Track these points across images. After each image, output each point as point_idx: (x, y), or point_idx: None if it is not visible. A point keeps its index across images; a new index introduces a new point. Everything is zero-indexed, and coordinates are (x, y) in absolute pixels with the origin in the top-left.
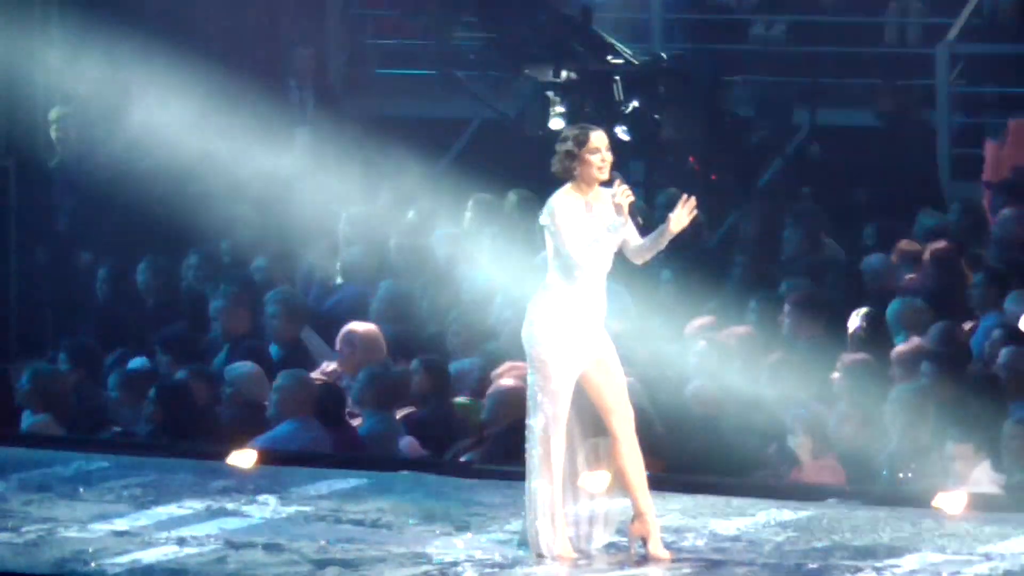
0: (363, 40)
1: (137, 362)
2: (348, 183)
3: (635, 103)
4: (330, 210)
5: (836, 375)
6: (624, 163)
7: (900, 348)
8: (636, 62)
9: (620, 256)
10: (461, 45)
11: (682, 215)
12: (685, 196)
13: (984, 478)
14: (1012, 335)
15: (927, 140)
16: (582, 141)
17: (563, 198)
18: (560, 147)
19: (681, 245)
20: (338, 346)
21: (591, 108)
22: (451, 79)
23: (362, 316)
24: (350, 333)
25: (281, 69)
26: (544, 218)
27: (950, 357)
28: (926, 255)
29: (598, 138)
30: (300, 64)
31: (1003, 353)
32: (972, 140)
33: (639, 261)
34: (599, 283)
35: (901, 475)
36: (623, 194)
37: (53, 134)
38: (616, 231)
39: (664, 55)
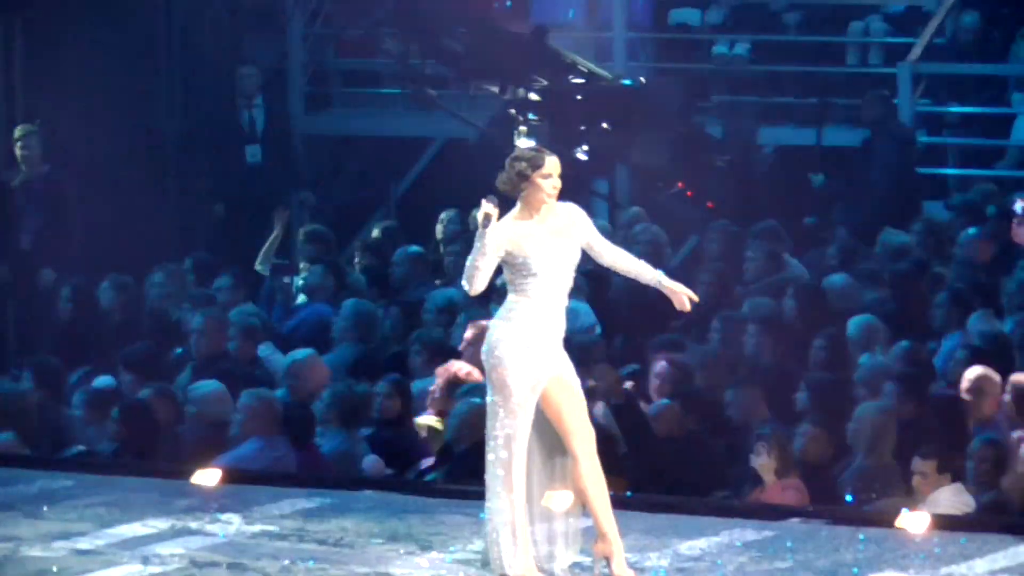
0: (324, 60)
1: (102, 381)
2: (304, 201)
3: (599, 124)
4: (289, 229)
5: (799, 395)
6: (585, 182)
7: (863, 368)
8: (605, 79)
9: (582, 275)
10: (416, 66)
11: (681, 299)
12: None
13: (952, 499)
14: (975, 356)
15: (897, 159)
16: (537, 164)
17: (498, 226)
18: (513, 166)
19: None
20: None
21: (551, 127)
22: (422, 95)
23: (325, 335)
24: (295, 364)
25: (233, 88)
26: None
27: (914, 377)
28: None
29: (552, 164)
30: (245, 82)
31: (966, 375)
32: (935, 159)
33: (604, 264)
34: (558, 302)
35: (864, 495)
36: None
37: (17, 152)
38: None
39: (629, 79)
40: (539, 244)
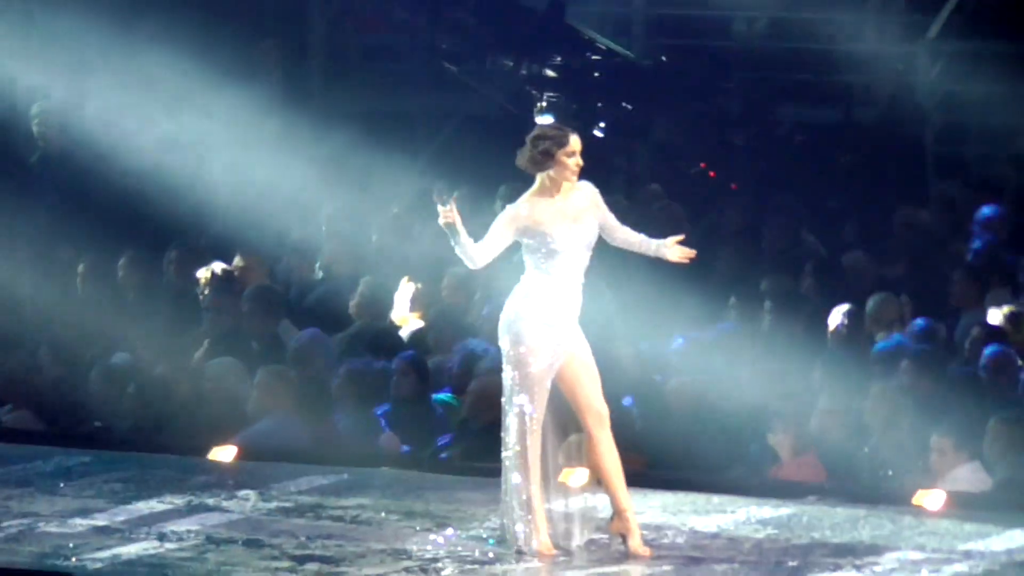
0: (344, 35)
1: (119, 357)
2: (328, 178)
3: (618, 102)
4: (309, 205)
5: (817, 372)
6: (603, 159)
7: (881, 345)
8: (625, 56)
9: (599, 253)
10: (434, 43)
11: (676, 252)
12: (682, 239)
13: (970, 477)
14: (991, 334)
15: (915, 137)
16: (562, 143)
17: (514, 207)
18: (536, 144)
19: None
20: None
21: (568, 104)
22: (442, 70)
23: (342, 311)
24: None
25: (253, 62)
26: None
27: (931, 355)
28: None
29: (576, 142)
30: (264, 56)
31: (985, 353)
32: (954, 139)
33: (615, 244)
34: (575, 280)
35: (881, 473)
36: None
37: (35, 129)
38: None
39: (650, 57)
40: (559, 223)
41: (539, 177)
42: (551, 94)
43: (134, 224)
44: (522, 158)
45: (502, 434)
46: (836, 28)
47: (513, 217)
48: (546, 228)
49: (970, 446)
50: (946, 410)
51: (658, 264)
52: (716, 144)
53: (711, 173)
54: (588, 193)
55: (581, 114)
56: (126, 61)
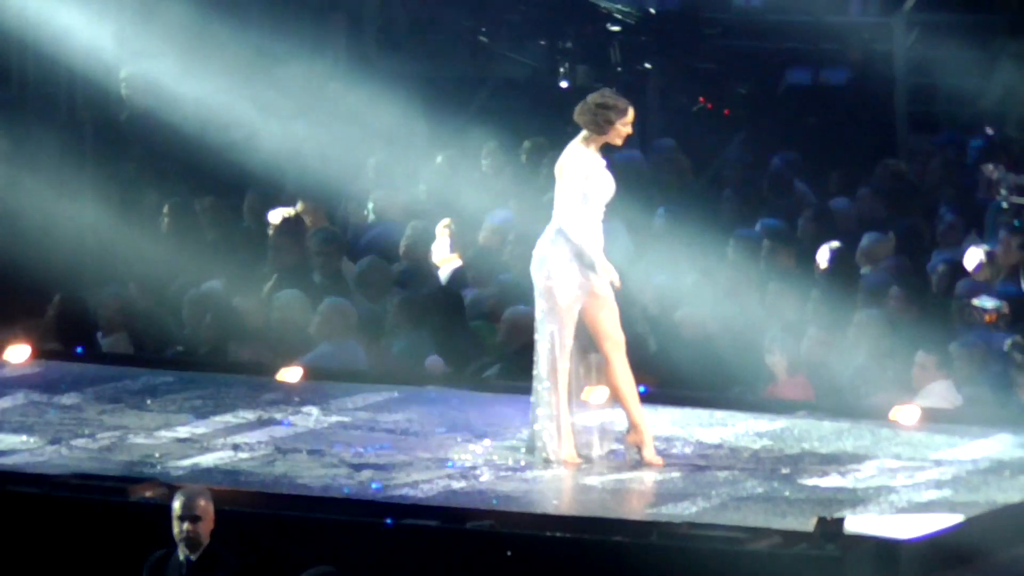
0: (394, 8)
1: (208, 285)
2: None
3: (631, 63)
4: (361, 156)
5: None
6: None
7: (869, 276)
8: (629, 14)
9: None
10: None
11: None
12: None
13: (943, 393)
14: (954, 271)
15: (887, 97)
16: (624, 112)
17: (576, 151)
18: (600, 112)
19: (669, 187)
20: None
21: (588, 71)
22: (476, 42)
23: (393, 251)
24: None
25: (318, 32)
26: (558, 166)
27: (915, 285)
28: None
29: (632, 114)
30: (333, 27)
31: (959, 285)
32: (925, 98)
33: None
34: (597, 222)
35: (863, 391)
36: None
37: (123, 91)
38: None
39: (650, 10)
40: (596, 174)
41: (593, 135)
42: (571, 63)
43: (211, 174)
44: (583, 117)
45: (534, 357)
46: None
47: (584, 159)
48: (591, 180)
49: (948, 365)
50: (928, 334)
51: (669, 208)
52: (718, 88)
53: (708, 106)
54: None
55: (601, 78)
56: (202, 34)
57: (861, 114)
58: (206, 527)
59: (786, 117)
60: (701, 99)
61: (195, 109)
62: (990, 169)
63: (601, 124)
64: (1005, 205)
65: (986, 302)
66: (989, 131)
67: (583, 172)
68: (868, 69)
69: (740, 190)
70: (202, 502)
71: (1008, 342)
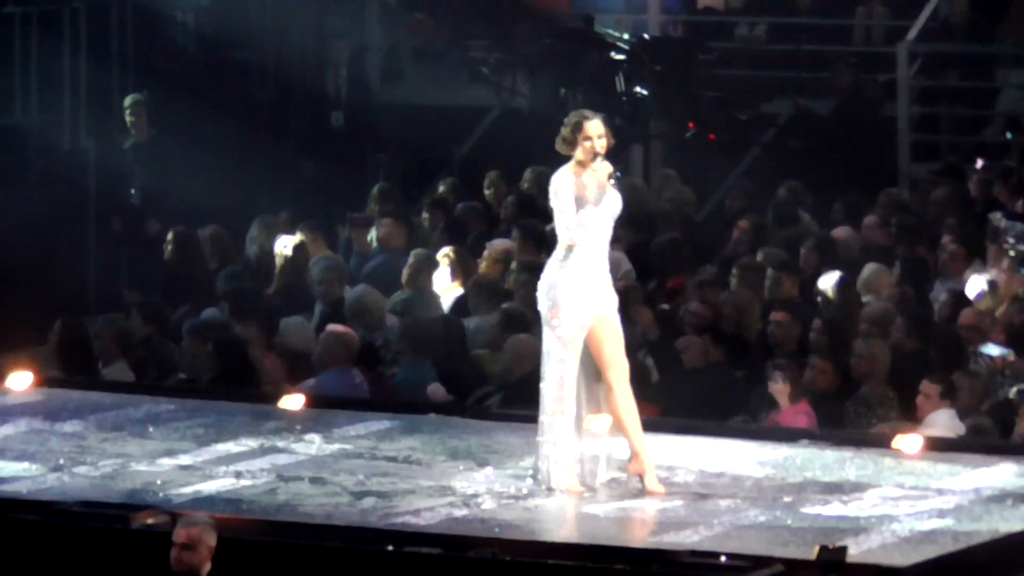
0: (397, 38)
1: (208, 312)
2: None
3: (634, 90)
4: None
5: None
6: (624, 146)
7: (872, 307)
8: (629, 41)
9: (620, 228)
10: (474, 56)
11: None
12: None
13: (947, 423)
14: (957, 301)
15: (887, 128)
16: (578, 127)
17: (560, 178)
18: (563, 128)
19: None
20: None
21: (595, 99)
22: (478, 73)
23: (395, 280)
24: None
25: (322, 60)
26: (550, 195)
27: (919, 315)
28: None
29: (592, 126)
30: (336, 56)
31: (963, 314)
32: (928, 127)
33: None
34: (602, 249)
35: (865, 420)
36: (602, 169)
37: (127, 119)
38: (599, 204)
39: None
40: (590, 198)
41: (573, 157)
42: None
43: (216, 201)
44: (557, 142)
45: (540, 385)
46: (828, 32)
47: (566, 185)
48: (581, 203)
49: (952, 395)
50: (934, 363)
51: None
52: (720, 117)
53: (691, 125)
54: (608, 169)
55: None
56: (205, 58)
57: (857, 142)
58: (202, 556)
59: (785, 145)
60: (691, 124)
61: (200, 136)
62: (997, 217)
63: (568, 143)
64: (1012, 253)
65: (992, 350)
66: (979, 163)
67: (566, 197)
68: (860, 96)
69: (749, 219)
70: (195, 531)
71: (1013, 390)
